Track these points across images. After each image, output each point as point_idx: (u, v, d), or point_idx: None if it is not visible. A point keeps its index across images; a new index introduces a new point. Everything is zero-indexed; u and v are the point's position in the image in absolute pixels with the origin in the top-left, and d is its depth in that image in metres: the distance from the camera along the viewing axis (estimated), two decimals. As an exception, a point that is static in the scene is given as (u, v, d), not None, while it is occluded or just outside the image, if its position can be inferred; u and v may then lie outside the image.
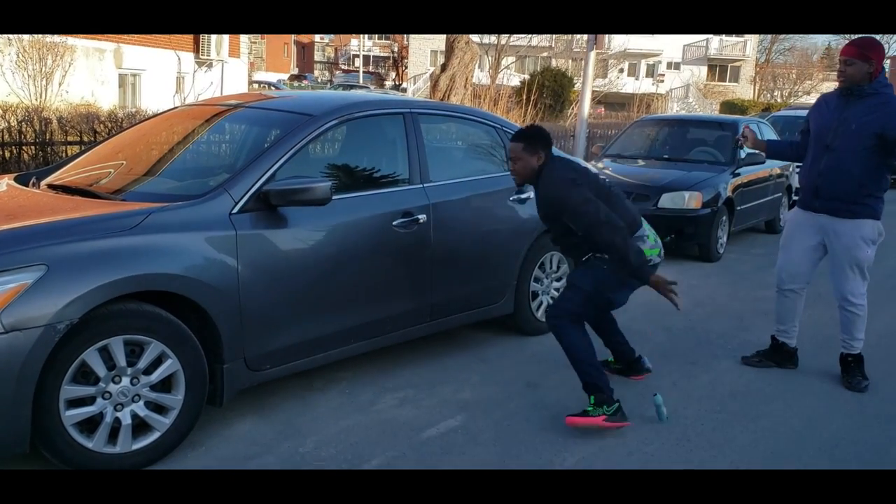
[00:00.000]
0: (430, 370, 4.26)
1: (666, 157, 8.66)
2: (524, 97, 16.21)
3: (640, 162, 8.64)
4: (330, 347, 3.73)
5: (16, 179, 3.93)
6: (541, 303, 4.92)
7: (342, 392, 3.91)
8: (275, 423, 3.52)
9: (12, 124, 6.52)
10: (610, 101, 28.83)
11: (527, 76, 21.74)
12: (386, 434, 3.48)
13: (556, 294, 5.02)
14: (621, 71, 37.68)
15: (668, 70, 44.19)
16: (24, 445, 2.73)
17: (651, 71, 44.29)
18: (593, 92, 13.92)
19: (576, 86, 21.02)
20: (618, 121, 17.65)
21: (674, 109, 31.98)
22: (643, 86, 33.93)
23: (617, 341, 4.15)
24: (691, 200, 7.40)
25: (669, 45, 43.27)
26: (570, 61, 28.27)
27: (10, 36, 12.70)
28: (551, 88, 20.12)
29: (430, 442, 3.42)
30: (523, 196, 4.67)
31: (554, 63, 27.37)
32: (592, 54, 11.58)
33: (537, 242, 4.78)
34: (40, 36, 12.96)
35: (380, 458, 3.25)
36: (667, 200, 7.41)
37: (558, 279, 5.03)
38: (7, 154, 6.11)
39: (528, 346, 4.74)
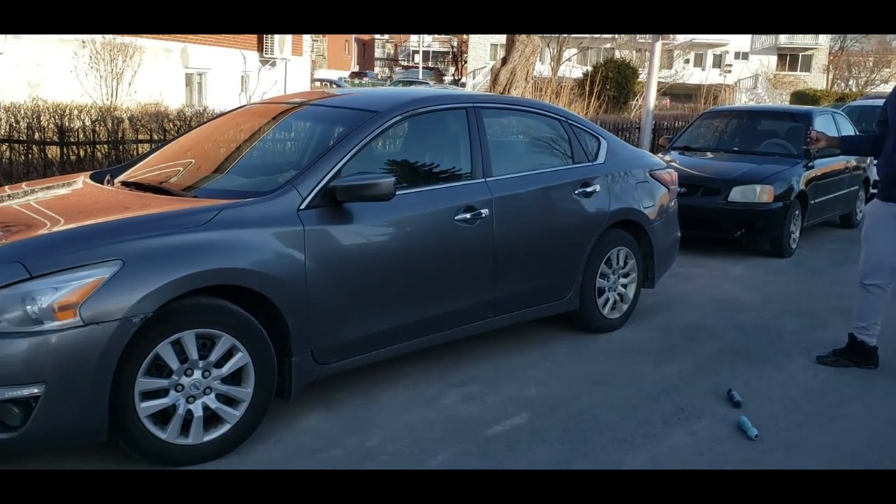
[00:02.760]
0: (494, 367, 4.23)
1: (736, 149, 8.42)
2: (587, 89, 16.01)
3: (709, 154, 8.43)
4: (394, 342, 3.74)
5: (91, 177, 4.04)
6: (607, 299, 4.84)
7: (406, 387, 3.92)
8: (341, 417, 3.55)
9: (87, 124, 6.74)
10: (676, 93, 28.23)
11: (589, 68, 21.45)
12: (450, 430, 3.47)
13: (622, 290, 4.94)
14: (687, 61, 36.89)
15: (736, 60, 43.04)
16: (103, 435, 2.82)
17: (718, 61, 43.22)
18: (658, 83, 13.65)
19: (640, 77, 20.64)
20: (684, 112, 17.28)
21: (742, 100, 31.14)
22: (710, 76, 33.10)
23: None
24: (763, 194, 7.18)
25: (737, 35, 42.13)
26: (634, 52, 27.78)
27: (84, 38, 13.13)
28: (615, 80, 19.79)
29: (496, 439, 3.40)
30: (589, 189, 4.59)
31: (617, 54, 26.93)
32: (658, 45, 11.35)
33: (604, 237, 4.70)
34: (111, 37, 13.36)
35: (445, 454, 3.24)
36: (737, 194, 7.21)
37: (625, 275, 4.93)
38: (82, 153, 6.32)
39: (595, 344, 4.67)
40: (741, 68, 40.30)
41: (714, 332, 5.00)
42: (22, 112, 6.68)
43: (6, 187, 4.22)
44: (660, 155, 8.18)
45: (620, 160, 4.95)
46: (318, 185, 3.40)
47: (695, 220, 6.94)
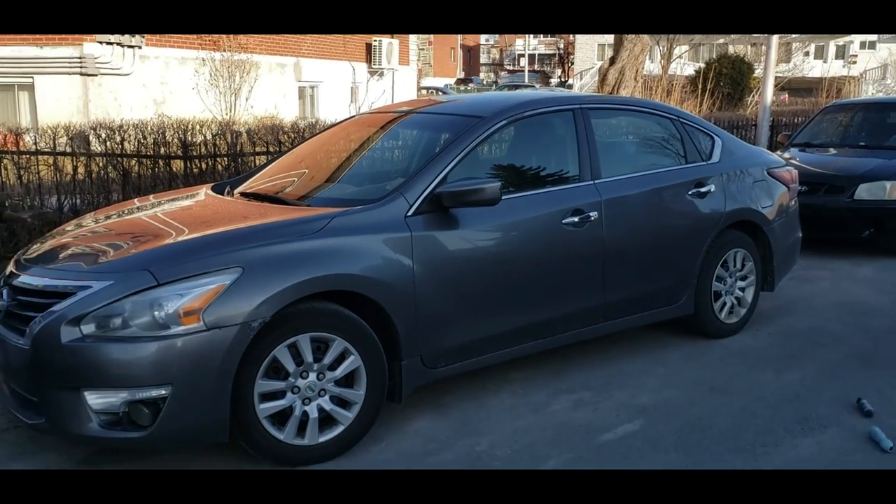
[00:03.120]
0: (605, 373, 4.15)
1: (862, 144, 7.93)
2: (699, 86, 15.49)
3: (832, 150, 7.99)
4: (502, 347, 3.74)
5: (213, 189, 4.25)
6: (724, 303, 4.66)
7: (515, 392, 3.90)
8: (451, 421, 3.57)
9: (208, 138, 7.09)
10: (794, 87, 26.90)
11: (702, 64, 20.77)
12: (561, 436, 3.42)
13: (740, 294, 4.74)
14: (807, 54, 35.06)
15: (862, 50, 40.57)
16: (224, 435, 2.95)
17: (841, 52, 40.89)
18: (776, 78, 13.05)
19: (756, 72, 19.80)
20: (804, 107, 16.44)
21: (868, 92, 29.34)
22: (832, 68, 31.40)
23: None
24: (893, 191, 6.73)
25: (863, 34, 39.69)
26: (749, 47, 26.66)
27: (204, 57, 13.83)
28: (729, 76, 19.07)
29: (608, 446, 3.33)
30: (703, 189, 4.44)
31: (731, 49, 25.94)
32: (775, 38, 10.86)
33: (719, 239, 4.53)
34: (229, 54, 14.01)
35: (557, 459, 3.20)
36: (864, 191, 6.79)
37: (743, 278, 4.74)
38: (204, 166, 6.65)
39: (712, 349, 4.51)
40: (867, 58, 37.92)
41: (840, 337, 4.72)
42: (149, 129, 7.10)
43: (135, 199, 4.49)
44: (778, 152, 7.81)
45: (736, 159, 4.77)
46: (424, 191, 3.44)
47: (818, 219, 6.59)
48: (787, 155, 7.74)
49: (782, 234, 4.91)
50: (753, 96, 18.36)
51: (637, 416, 3.62)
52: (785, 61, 26.47)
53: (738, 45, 26.56)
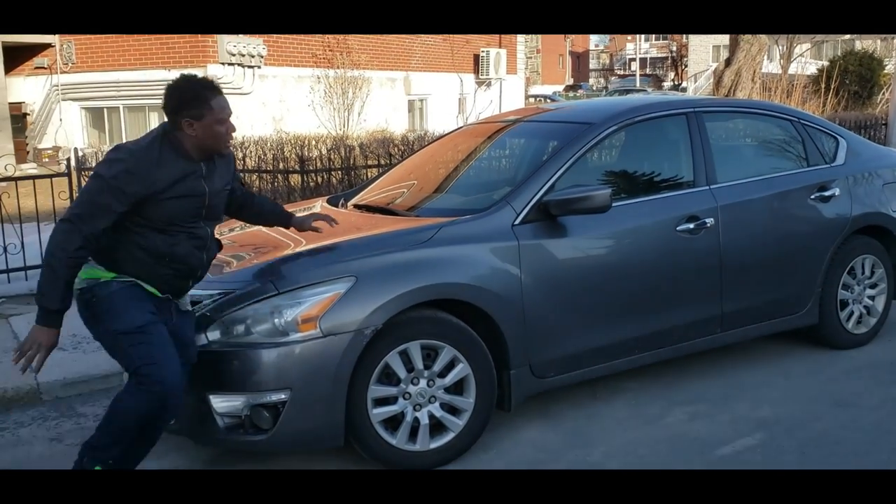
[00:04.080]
0: (722, 384, 4.01)
1: None
2: (822, 85, 14.74)
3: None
4: (614, 357, 3.67)
5: (328, 201, 4.40)
6: (851, 312, 4.41)
7: (628, 403, 3.82)
8: (561, 431, 3.54)
9: (323, 153, 7.34)
10: (930, 82, 25.14)
11: (825, 62, 19.76)
12: (676, 449, 3.33)
13: (869, 303, 4.47)
14: (944, 45, 32.70)
15: None
16: (340, 440, 3.04)
17: (984, 42, 37.86)
18: (908, 73, 12.24)
19: (887, 68, 18.66)
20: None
21: None
22: (973, 60, 29.11)
23: None
24: None
25: None
26: (879, 41, 25.13)
27: (318, 74, 14.34)
28: (856, 73, 18.05)
29: (725, 460, 3.22)
30: (826, 193, 4.23)
31: (858, 45, 24.52)
32: (906, 30, 10.19)
33: (846, 245, 4.30)
34: (343, 71, 14.47)
35: (670, 473, 3.12)
36: None
37: (872, 286, 4.47)
38: (319, 179, 6.88)
39: (839, 361, 4.27)
40: None
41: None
42: (268, 145, 7.44)
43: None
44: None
45: (863, 160, 4.51)
46: (531, 200, 3.44)
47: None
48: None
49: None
50: (884, 94, 17.29)
51: (757, 429, 3.48)
52: (919, 54, 24.76)
53: (865, 41, 25.08)
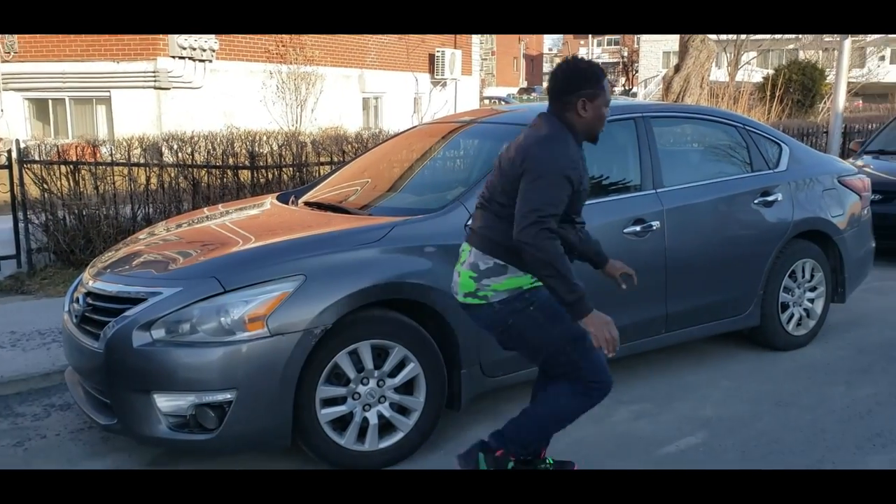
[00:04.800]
0: (667, 384, 4.08)
1: (943, 150, 7.63)
2: (768, 93, 15.13)
3: (910, 157, 7.70)
4: (563, 357, 3.70)
5: (278, 198, 4.35)
6: (792, 314, 4.53)
7: (576, 402, 3.86)
8: (509, 431, 3.55)
9: (274, 149, 7.25)
10: (869, 93, 25.99)
11: (770, 71, 20.27)
12: (621, 448, 3.39)
13: (808, 305, 4.61)
14: (882, 58, 33.85)
15: (941, 53, 38.93)
16: (287, 440, 3.01)
17: (920, 55, 39.29)
18: (849, 83, 12.65)
19: (828, 78, 19.22)
20: (879, 114, 15.90)
21: (948, 97, 28.10)
22: (909, 73, 30.23)
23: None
24: (974, 199, 6.45)
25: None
26: (821, 52, 25.87)
27: (271, 69, 14.17)
28: (799, 82, 18.56)
29: (669, 458, 3.28)
30: (769, 198, 4.34)
31: (801, 55, 25.21)
32: (847, 43, 10.51)
33: (787, 249, 4.42)
34: (296, 67, 14.33)
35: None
36: (943, 200, 6.53)
37: (812, 289, 4.60)
38: (270, 176, 6.80)
39: (778, 362, 4.39)
40: (948, 62, 36.40)
41: (918, 351, 4.54)
42: (218, 140, 7.30)
43: (204, 209, 4.64)
44: (850, 160, 7.57)
45: (805, 167, 4.65)
46: (485, 200, 3.45)
47: (892, 229, 6.35)
48: (859, 163, 7.49)
49: (854, 244, 4.76)
50: (825, 103, 17.83)
51: (700, 428, 3.55)
52: (858, 66, 25.58)
53: (808, 51, 25.80)
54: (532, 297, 2.71)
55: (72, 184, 6.49)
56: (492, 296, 2.71)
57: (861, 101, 24.15)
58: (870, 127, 12.35)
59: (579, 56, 2.87)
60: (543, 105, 4.98)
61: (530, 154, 2.61)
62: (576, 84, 2.69)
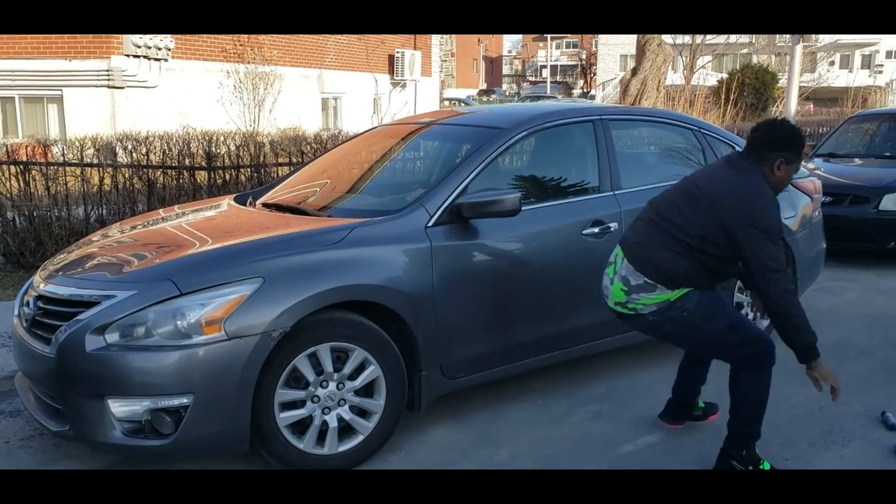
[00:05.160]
0: (625, 384, 4.13)
1: (888, 154, 7.87)
2: (722, 97, 15.42)
3: (857, 161, 7.92)
4: (521, 357, 3.73)
5: (235, 199, 4.30)
6: (746, 314, 4.62)
7: (534, 403, 3.89)
8: (469, 431, 3.57)
9: (231, 149, 7.16)
10: (819, 97, 26.66)
11: (725, 75, 20.67)
12: (580, 447, 3.41)
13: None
14: (832, 63, 34.74)
15: (888, 59, 40.11)
16: (245, 444, 2.97)
17: (867, 62, 40.46)
18: (800, 87, 12.97)
19: (780, 82, 19.67)
20: (829, 117, 16.29)
21: (894, 102, 28.99)
22: (858, 78, 31.07)
23: (696, 385, 3.56)
24: (919, 201, 6.66)
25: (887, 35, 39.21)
26: (773, 57, 26.46)
27: (228, 69, 14.00)
28: (752, 86, 18.97)
29: (628, 458, 3.32)
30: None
31: (755, 59, 25.76)
32: (799, 48, 10.79)
33: (740, 250, 4.49)
34: (254, 66, 14.18)
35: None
36: (890, 202, 6.72)
37: (764, 289, 4.70)
38: (227, 176, 6.72)
39: (732, 360, 4.46)
40: (894, 68, 37.51)
41: (865, 349, 4.66)
42: (174, 140, 7.19)
43: (160, 210, 4.56)
44: (802, 163, 7.75)
45: (758, 169, 4.73)
46: (444, 202, 3.46)
47: (842, 230, 6.53)
48: (811, 165, 7.68)
49: (805, 245, 4.87)
50: (777, 106, 18.24)
51: (657, 428, 3.60)
52: (810, 71, 26.25)
53: (761, 55, 26.37)
54: (683, 304, 2.95)
55: (22, 184, 6.32)
56: (641, 308, 2.99)
57: (812, 105, 24.74)
58: (821, 130, 12.67)
59: (788, 119, 3.18)
60: (501, 107, 5.02)
61: (753, 206, 2.82)
62: (782, 144, 2.93)
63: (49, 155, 6.77)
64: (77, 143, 6.59)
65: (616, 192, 4.03)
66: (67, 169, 6.42)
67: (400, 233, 3.34)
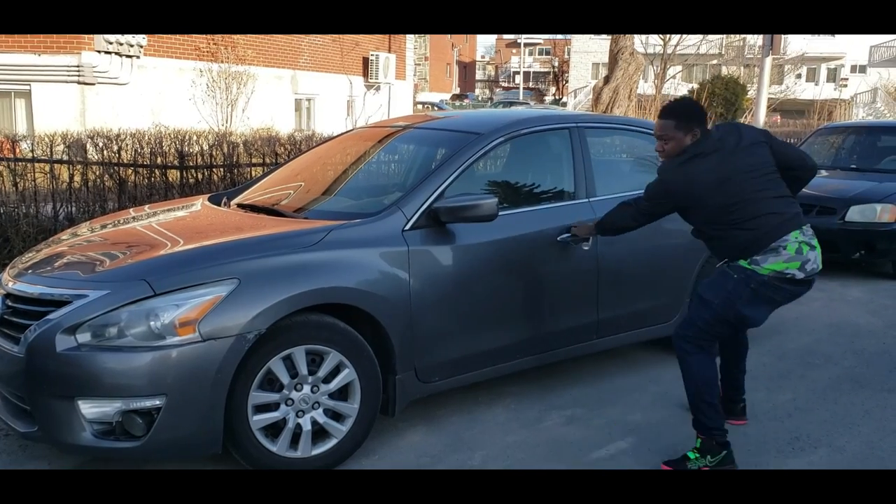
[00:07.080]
0: (598, 389, 4.17)
1: (853, 166, 8.03)
2: (692, 107, 15.62)
3: (824, 173, 8.05)
4: (496, 362, 3.75)
5: (209, 199, 4.26)
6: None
7: (508, 407, 3.91)
8: (443, 436, 3.57)
9: (204, 149, 7.10)
10: (787, 109, 27.16)
11: (695, 85, 20.97)
12: (553, 452, 3.43)
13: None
14: (799, 76, 35.42)
15: (853, 74, 40.98)
16: (218, 446, 2.94)
17: (833, 75, 41.32)
18: (769, 99, 13.19)
19: (749, 93, 19.99)
20: (796, 129, 16.59)
21: (859, 116, 29.62)
22: (824, 91, 31.70)
23: (735, 374, 3.72)
24: (884, 213, 6.80)
25: (854, 47, 40.10)
26: (742, 68, 26.89)
27: (201, 68, 13.87)
28: (722, 97, 19.28)
29: (599, 463, 3.34)
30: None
31: (724, 70, 26.17)
32: (768, 60, 10.98)
33: (712, 258, 4.55)
34: (227, 66, 14.07)
35: (548, 476, 3.21)
36: (856, 213, 6.86)
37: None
38: (200, 176, 6.66)
39: (702, 367, 4.52)
40: (858, 82, 38.33)
41: (831, 357, 4.75)
42: (146, 138, 7.12)
43: (131, 209, 4.50)
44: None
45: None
46: (421, 206, 3.46)
47: (809, 240, 6.64)
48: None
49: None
50: (746, 117, 18.53)
51: (629, 434, 3.63)
52: (777, 83, 26.71)
53: (731, 66, 26.78)
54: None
55: (-12, 180, 6.22)
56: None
57: (779, 117, 25.17)
58: (788, 142, 12.87)
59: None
60: (478, 113, 5.03)
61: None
62: (700, 118, 3.33)
63: (17, 150, 6.65)
64: (46, 139, 6.49)
65: (591, 199, 4.07)
66: (36, 165, 6.31)
67: (377, 236, 3.34)
